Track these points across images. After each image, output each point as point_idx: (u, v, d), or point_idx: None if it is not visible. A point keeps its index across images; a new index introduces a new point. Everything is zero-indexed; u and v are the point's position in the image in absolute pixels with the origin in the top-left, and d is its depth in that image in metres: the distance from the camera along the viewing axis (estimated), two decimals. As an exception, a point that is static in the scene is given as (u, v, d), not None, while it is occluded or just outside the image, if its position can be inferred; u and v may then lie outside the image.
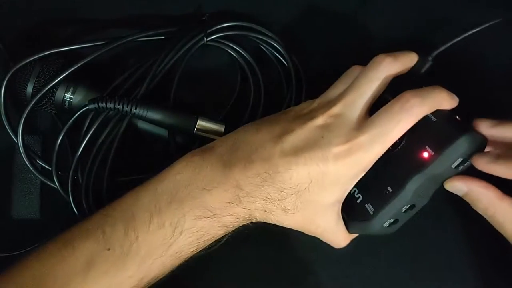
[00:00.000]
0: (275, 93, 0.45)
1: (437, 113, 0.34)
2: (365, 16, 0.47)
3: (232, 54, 0.45)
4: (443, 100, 0.34)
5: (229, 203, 0.35)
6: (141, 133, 0.43)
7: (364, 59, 0.46)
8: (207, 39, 0.43)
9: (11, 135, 0.41)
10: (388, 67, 0.35)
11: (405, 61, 0.36)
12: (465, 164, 0.34)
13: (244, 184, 0.34)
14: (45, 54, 0.41)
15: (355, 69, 0.37)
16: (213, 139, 0.42)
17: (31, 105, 0.40)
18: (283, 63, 0.45)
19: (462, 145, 0.32)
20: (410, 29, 0.47)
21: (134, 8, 0.45)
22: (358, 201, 0.35)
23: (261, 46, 0.45)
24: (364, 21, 0.47)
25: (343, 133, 0.34)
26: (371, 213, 0.35)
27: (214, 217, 0.35)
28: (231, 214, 0.35)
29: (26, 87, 0.41)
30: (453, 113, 0.34)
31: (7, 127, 0.41)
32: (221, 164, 0.35)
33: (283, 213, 0.35)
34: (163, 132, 0.43)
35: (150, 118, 0.41)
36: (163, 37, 0.43)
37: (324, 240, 0.37)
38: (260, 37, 0.44)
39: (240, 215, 0.35)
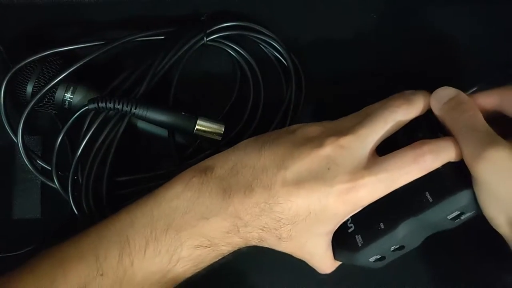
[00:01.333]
0: (275, 93, 0.45)
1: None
2: (366, 16, 0.47)
3: (232, 54, 0.45)
4: (455, 155, 0.32)
5: (227, 233, 0.34)
6: (141, 133, 0.43)
7: (365, 59, 0.46)
8: (207, 39, 0.43)
9: (11, 135, 0.41)
10: (405, 113, 0.34)
11: (422, 106, 0.35)
12: (462, 218, 0.33)
13: (243, 214, 0.33)
14: (45, 54, 0.41)
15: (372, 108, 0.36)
16: (213, 139, 0.42)
17: (31, 105, 0.40)
18: (283, 63, 0.45)
19: (462, 199, 0.32)
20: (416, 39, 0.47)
21: (134, 8, 0.45)
22: (349, 231, 0.35)
23: (261, 46, 0.45)
24: (365, 21, 0.47)
25: (350, 169, 0.33)
26: (360, 245, 0.34)
27: (211, 246, 0.34)
28: (228, 243, 0.34)
29: (26, 87, 0.41)
30: (459, 164, 0.33)
31: (7, 127, 0.41)
32: (221, 191, 0.34)
33: (277, 241, 0.35)
34: (163, 132, 0.43)
35: (150, 118, 0.41)
36: (162, 37, 0.43)
37: (310, 264, 0.37)
38: (260, 37, 0.44)
39: (237, 244, 0.35)
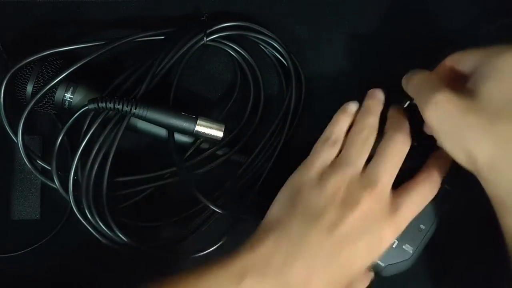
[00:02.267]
0: (275, 93, 0.45)
1: None
2: (366, 16, 0.47)
3: (232, 54, 0.45)
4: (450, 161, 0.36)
5: None
6: (141, 133, 0.43)
7: (365, 58, 0.46)
8: (207, 39, 0.43)
9: (11, 135, 0.41)
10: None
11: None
12: None
13: None
14: (45, 54, 0.41)
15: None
16: (213, 139, 0.42)
17: (31, 105, 0.40)
18: (283, 63, 0.45)
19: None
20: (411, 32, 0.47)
21: (134, 8, 0.45)
22: (394, 246, 0.38)
23: (261, 46, 0.45)
24: (365, 21, 0.47)
25: (388, 213, 0.35)
26: (412, 252, 0.38)
27: None
28: None
29: (26, 87, 0.41)
30: None
31: (7, 128, 0.41)
32: None
33: None
34: (163, 132, 0.43)
35: (150, 118, 0.41)
36: (162, 37, 0.43)
37: None
38: (260, 37, 0.44)
39: None
